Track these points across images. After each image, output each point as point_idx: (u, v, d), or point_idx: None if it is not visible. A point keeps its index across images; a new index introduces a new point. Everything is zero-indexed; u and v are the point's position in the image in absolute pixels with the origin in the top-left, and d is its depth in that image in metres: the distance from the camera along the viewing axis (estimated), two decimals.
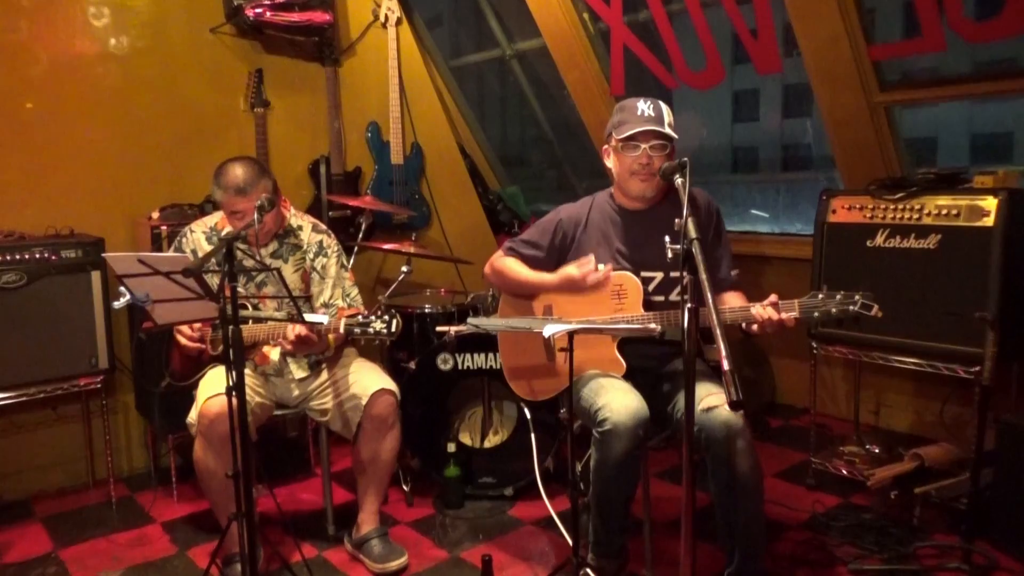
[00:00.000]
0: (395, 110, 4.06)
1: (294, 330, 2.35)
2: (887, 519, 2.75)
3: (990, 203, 2.54)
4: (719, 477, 2.14)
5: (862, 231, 2.86)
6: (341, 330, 2.29)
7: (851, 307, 2.05)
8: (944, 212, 2.65)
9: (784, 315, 2.08)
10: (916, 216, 2.72)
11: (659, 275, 2.36)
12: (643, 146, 2.25)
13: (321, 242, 2.71)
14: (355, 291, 2.75)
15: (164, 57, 3.48)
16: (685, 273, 1.70)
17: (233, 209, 2.47)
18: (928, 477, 2.73)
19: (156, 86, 3.46)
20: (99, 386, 3.08)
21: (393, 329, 2.24)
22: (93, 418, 3.29)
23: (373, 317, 2.26)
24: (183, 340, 2.49)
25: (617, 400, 2.14)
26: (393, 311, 2.27)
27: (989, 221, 2.54)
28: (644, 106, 2.27)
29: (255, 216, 2.29)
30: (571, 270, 2.32)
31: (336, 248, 2.73)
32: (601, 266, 2.31)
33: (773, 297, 2.11)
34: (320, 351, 2.59)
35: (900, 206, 2.77)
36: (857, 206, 2.89)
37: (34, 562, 2.68)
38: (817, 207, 3.01)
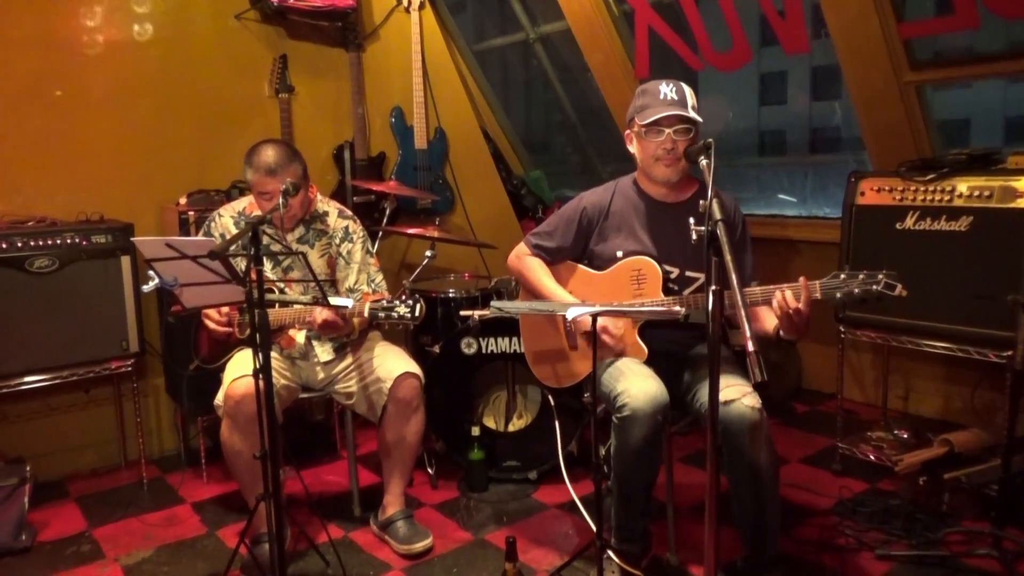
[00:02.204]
0: (419, 95, 4.05)
1: (321, 314, 2.37)
2: (915, 505, 2.72)
3: None
4: (736, 468, 2.13)
5: (891, 213, 2.81)
6: (366, 314, 2.31)
7: (874, 287, 1.99)
8: (976, 194, 2.60)
9: (802, 304, 1.99)
10: (947, 198, 2.67)
11: (676, 271, 2.34)
12: (667, 131, 2.22)
13: (347, 228, 2.72)
14: (380, 276, 2.77)
15: (190, 44, 3.51)
16: (709, 255, 1.67)
17: (262, 190, 2.49)
18: (958, 463, 2.69)
19: (182, 73, 3.49)
20: (130, 369, 3.13)
21: (417, 313, 2.25)
22: (124, 401, 3.35)
23: (397, 302, 2.28)
24: (211, 324, 2.52)
25: (636, 385, 2.13)
26: (417, 295, 2.29)
27: (1023, 202, 2.48)
28: (667, 89, 2.24)
29: (280, 200, 2.31)
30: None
31: (362, 234, 2.75)
32: (619, 252, 2.32)
33: (802, 280, 2.07)
34: (346, 334, 2.62)
35: (931, 188, 2.71)
36: (886, 188, 2.84)
37: (69, 540, 2.75)
38: (845, 189, 2.96)
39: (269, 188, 2.47)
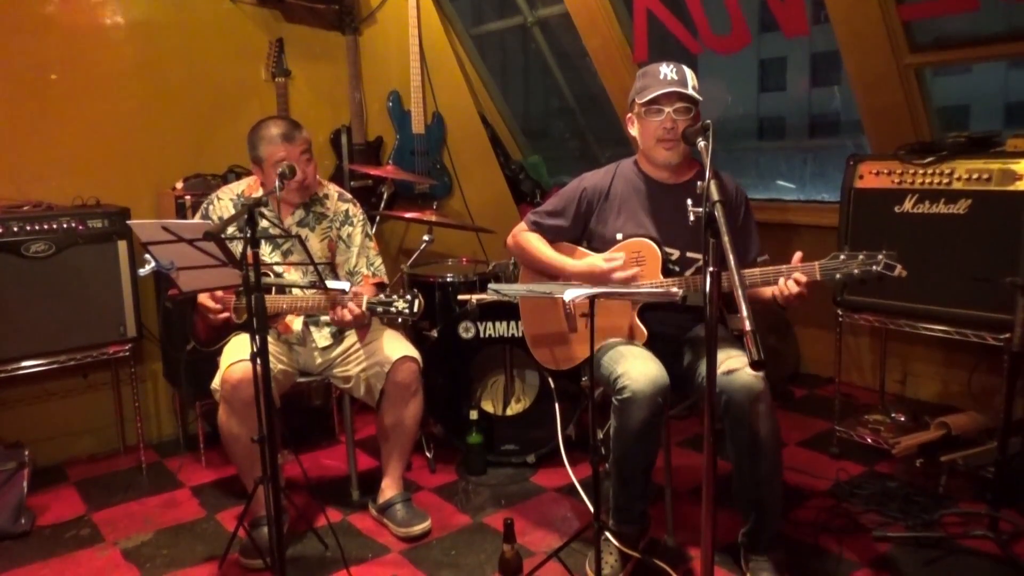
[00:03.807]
0: (416, 79, 4.03)
1: (353, 311, 2.33)
2: (912, 487, 2.73)
3: (1023, 167, 2.48)
4: (738, 439, 2.13)
5: (890, 197, 2.80)
6: (363, 308, 2.30)
7: (873, 267, 2.00)
8: (975, 176, 2.59)
9: (800, 277, 2.04)
10: (946, 181, 2.66)
11: (677, 252, 2.34)
12: (667, 110, 2.21)
13: (347, 211, 2.72)
14: (379, 260, 2.76)
15: (186, 27, 3.49)
16: (707, 237, 1.67)
17: (281, 156, 2.49)
18: (955, 446, 2.71)
19: (178, 57, 3.47)
20: (128, 354, 3.13)
21: (415, 310, 2.26)
22: (123, 386, 3.35)
23: (395, 296, 2.28)
24: (209, 312, 2.50)
25: (636, 368, 2.13)
26: (415, 291, 2.28)
27: (1022, 185, 2.47)
28: (667, 70, 2.23)
29: (276, 184, 2.30)
30: (598, 261, 2.30)
31: (362, 217, 2.75)
32: (618, 235, 2.32)
33: (798, 254, 2.09)
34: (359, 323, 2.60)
35: (929, 171, 2.71)
36: (885, 171, 2.83)
37: (68, 524, 2.75)
38: (844, 172, 2.95)
39: (287, 154, 2.48)
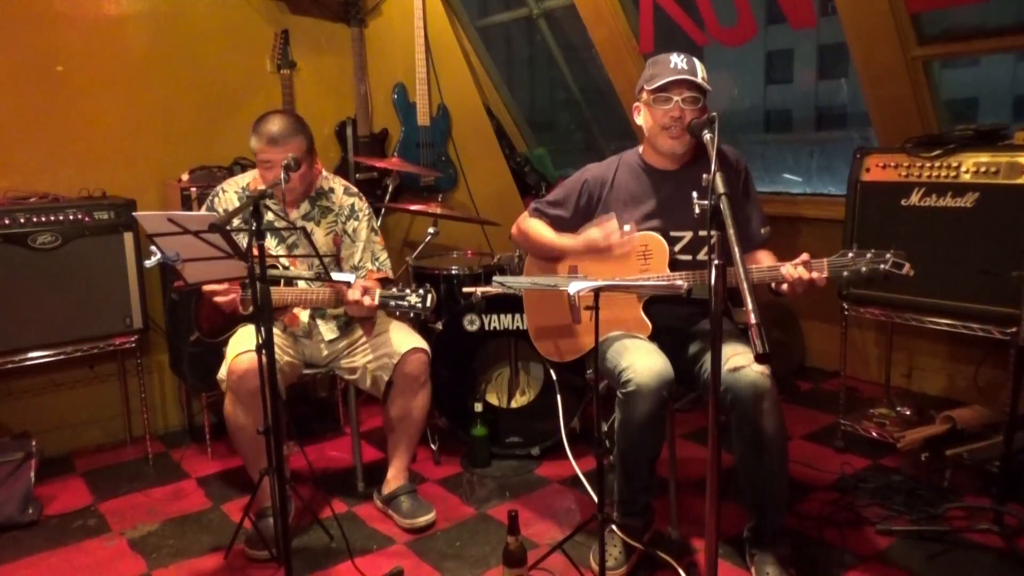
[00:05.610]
0: (421, 71, 4.03)
1: (363, 296, 2.36)
2: (917, 481, 2.72)
3: None
4: (744, 436, 2.12)
5: (897, 190, 2.79)
6: (376, 302, 2.31)
7: (881, 266, 2.01)
8: (982, 170, 2.58)
9: (814, 274, 2.05)
10: (953, 174, 2.65)
11: (688, 235, 2.32)
12: (675, 98, 2.21)
13: (353, 205, 2.71)
14: (384, 255, 2.76)
15: (191, 19, 3.48)
16: (713, 230, 1.67)
17: (264, 158, 2.48)
18: (960, 440, 2.70)
19: (184, 48, 3.47)
20: (134, 345, 3.14)
21: (428, 304, 2.27)
22: (129, 377, 3.36)
23: (408, 291, 2.29)
24: (216, 294, 2.49)
25: (641, 361, 2.13)
26: (428, 285, 2.29)
27: None
28: (677, 59, 2.23)
29: (282, 175, 2.30)
30: (594, 234, 2.31)
31: (367, 211, 2.74)
32: (626, 227, 2.30)
33: (804, 256, 2.08)
34: (369, 314, 2.61)
35: (936, 164, 2.69)
36: (892, 164, 2.82)
37: (75, 514, 2.77)
38: (851, 165, 2.94)
39: (270, 157, 2.46)
